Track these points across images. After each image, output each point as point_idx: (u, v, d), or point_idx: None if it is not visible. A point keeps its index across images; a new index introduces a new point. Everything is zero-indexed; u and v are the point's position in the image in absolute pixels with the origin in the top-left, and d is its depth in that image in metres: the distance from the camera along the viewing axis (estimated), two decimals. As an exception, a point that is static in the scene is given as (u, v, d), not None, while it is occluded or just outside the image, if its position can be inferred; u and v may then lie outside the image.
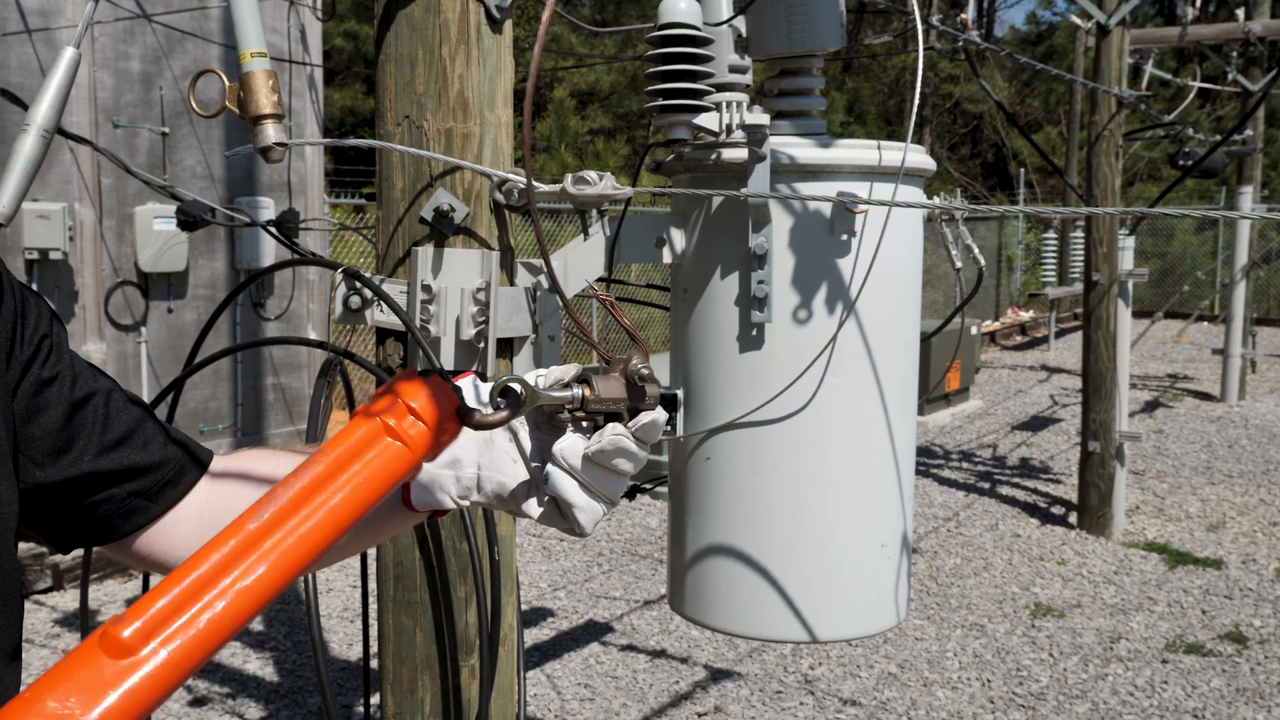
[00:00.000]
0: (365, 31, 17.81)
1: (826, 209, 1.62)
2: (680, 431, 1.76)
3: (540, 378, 1.02)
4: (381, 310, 1.61)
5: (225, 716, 4.07)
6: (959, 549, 6.13)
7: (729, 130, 1.65)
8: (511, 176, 1.59)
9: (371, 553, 2.02)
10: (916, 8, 1.70)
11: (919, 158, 1.70)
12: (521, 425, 1.04)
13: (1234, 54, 8.78)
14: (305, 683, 4.36)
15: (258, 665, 4.51)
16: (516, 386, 0.94)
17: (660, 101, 1.58)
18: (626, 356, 0.99)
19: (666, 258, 1.75)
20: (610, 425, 0.99)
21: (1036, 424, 9.75)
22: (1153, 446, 8.70)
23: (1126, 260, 6.28)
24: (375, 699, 3.68)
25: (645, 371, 0.99)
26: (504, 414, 0.93)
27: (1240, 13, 8.78)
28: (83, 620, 1.83)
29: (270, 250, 6.35)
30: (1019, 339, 16.42)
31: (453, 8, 1.57)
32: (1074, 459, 7.78)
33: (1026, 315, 17.56)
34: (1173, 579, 5.62)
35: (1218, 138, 7.36)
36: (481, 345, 1.61)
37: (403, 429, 0.89)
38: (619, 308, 1.03)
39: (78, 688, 0.74)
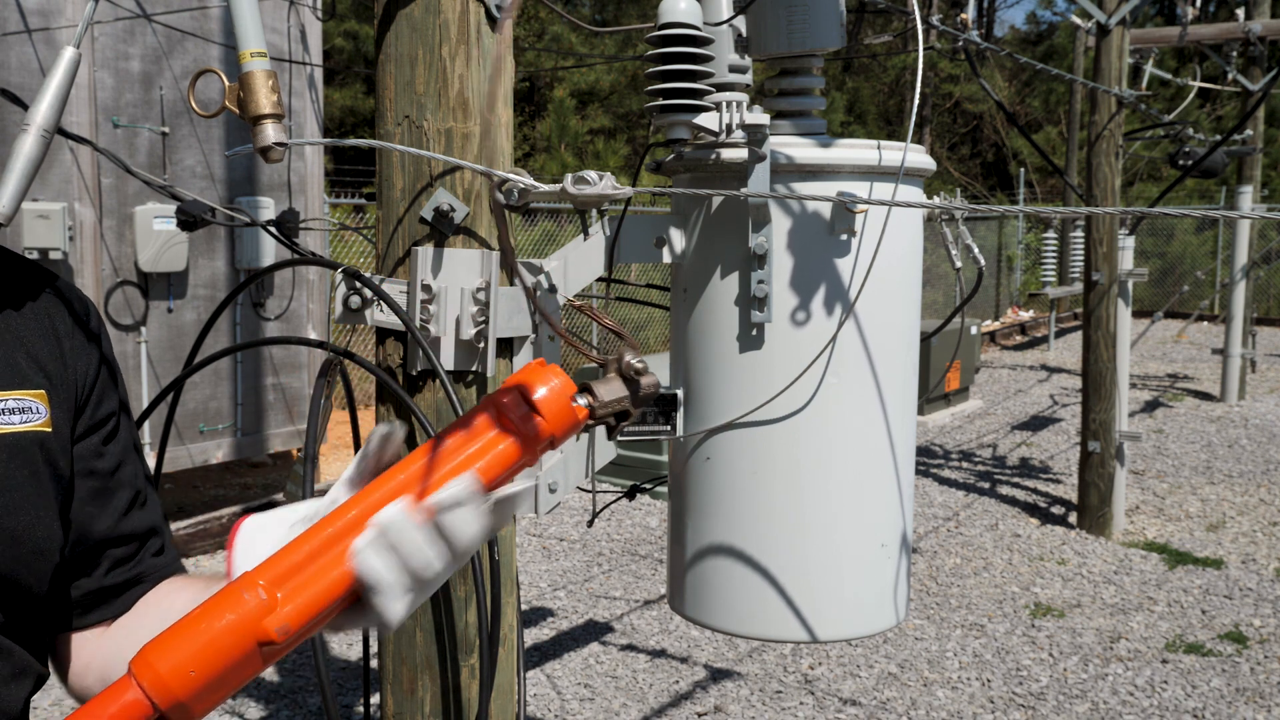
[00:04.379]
0: (365, 31, 17.82)
1: (826, 209, 1.62)
2: (680, 431, 1.76)
3: None
4: (381, 310, 1.61)
5: (225, 716, 4.07)
6: (959, 549, 6.13)
7: (729, 130, 1.65)
8: (512, 176, 1.59)
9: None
10: (916, 8, 1.70)
11: (919, 158, 1.70)
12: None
13: (1234, 54, 8.78)
14: (305, 683, 4.36)
15: (258, 665, 4.51)
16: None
17: (660, 101, 1.58)
18: (618, 355, 1.00)
19: (666, 258, 1.75)
20: (462, 477, 0.89)
21: (1036, 424, 9.75)
22: (1153, 446, 8.70)
23: (1126, 260, 6.28)
24: (375, 699, 3.68)
25: (640, 365, 0.99)
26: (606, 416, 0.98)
27: (1240, 13, 8.77)
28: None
29: (270, 250, 6.34)
30: (1019, 339, 16.42)
31: (453, 8, 1.57)
32: (1074, 459, 7.78)
33: (1026, 315, 17.56)
34: (1173, 579, 5.62)
35: (1218, 138, 7.36)
36: (481, 345, 1.61)
37: (516, 422, 0.92)
38: (598, 311, 1.03)
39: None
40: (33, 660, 1.04)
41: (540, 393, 0.93)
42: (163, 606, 1.10)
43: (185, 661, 0.85)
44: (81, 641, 1.11)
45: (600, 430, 1.76)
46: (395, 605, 0.87)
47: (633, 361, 0.99)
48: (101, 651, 1.09)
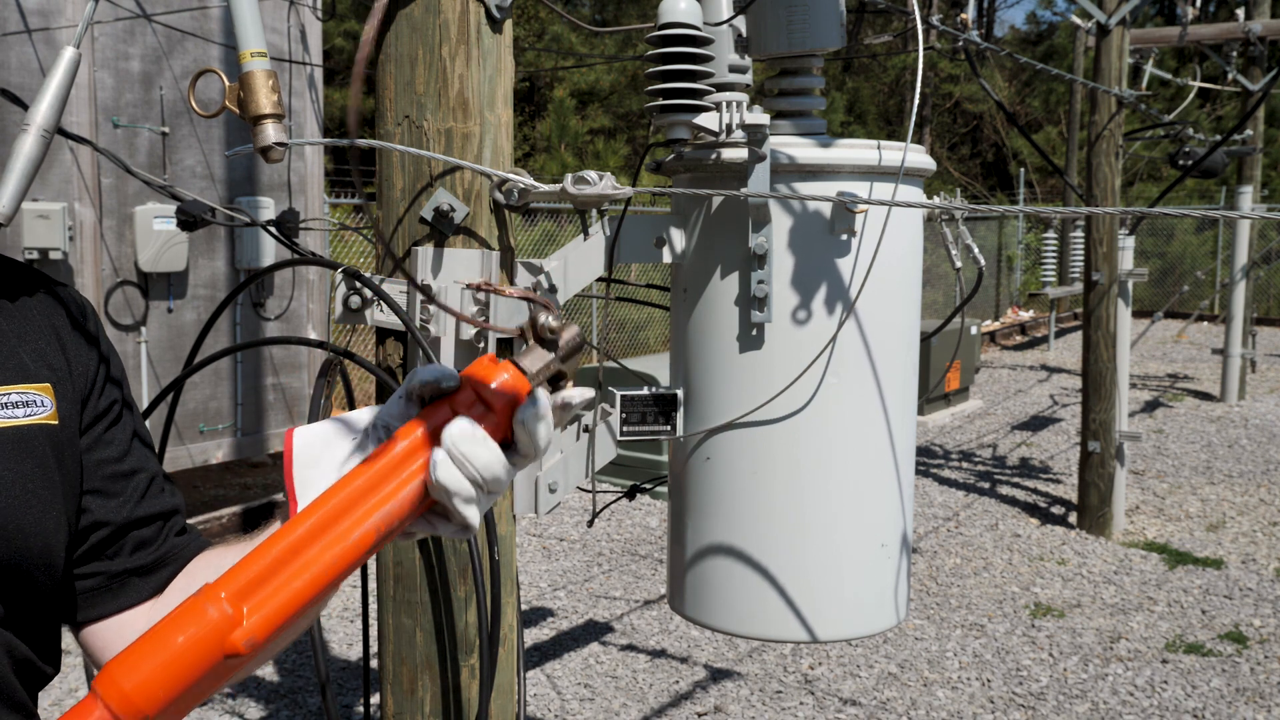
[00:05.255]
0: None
1: (826, 209, 1.62)
2: (680, 431, 1.76)
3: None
4: (381, 310, 1.61)
5: (225, 716, 4.07)
6: (959, 549, 6.13)
7: (729, 130, 1.65)
8: (512, 176, 1.59)
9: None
10: (916, 8, 1.70)
11: (919, 158, 1.70)
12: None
13: (1234, 54, 8.78)
14: (305, 683, 4.36)
15: (258, 665, 4.50)
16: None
17: (660, 101, 1.58)
18: (530, 320, 0.98)
19: (666, 258, 1.75)
20: (539, 392, 0.93)
21: (1036, 424, 9.75)
22: (1153, 446, 8.70)
23: (1126, 260, 6.28)
24: (375, 699, 3.68)
25: (554, 324, 0.97)
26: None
27: (1240, 13, 8.77)
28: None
29: (270, 250, 6.34)
30: (1019, 339, 16.42)
31: (453, 7, 1.57)
32: (1074, 459, 7.78)
33: (1026, 315, 17.56)
34: (1173, 579, 5.62)
35: (1218, 138, 7.36)
36: (481, 345, 1.61)
37: (474, 417, 0.93)
38: (501, 284, 1.02)
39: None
40: (34, 656, 1.04)
41: (491, 388, 0.94)
42: (213, 568, 1.11)
43: (150, 678, 0.85)
44: (125, 626, 1.11)
45: (601, 430, 1.76)
46: (472, 510, 0.91)
47: (545, 322, 0.97)
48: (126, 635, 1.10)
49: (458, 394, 0.94)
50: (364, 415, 1.00)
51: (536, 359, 0.96)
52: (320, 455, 0.98)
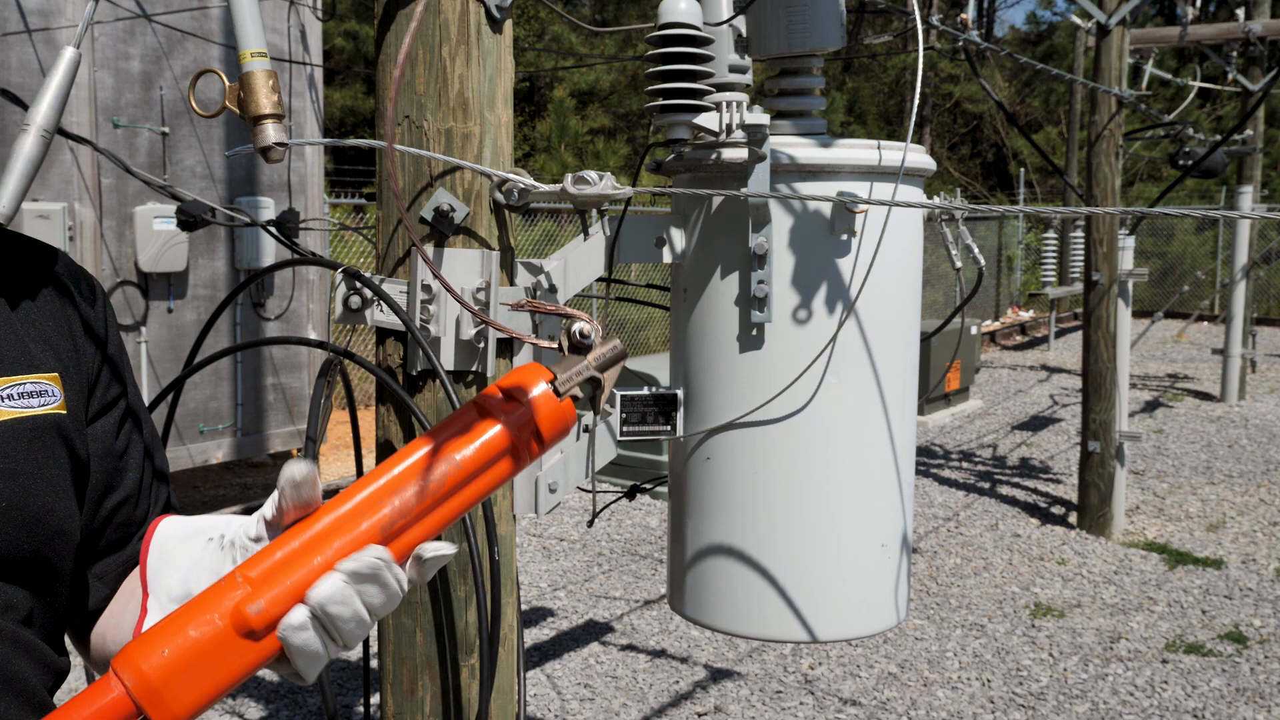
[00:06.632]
0: (365, 31, 17.81)
1: (826, 209, 1.62)
2: (680, 431, 1.76)
3: None
4: (381, 310, 1.61)
5: (225, 716, 4.07)
6: (959, 549, 6.13)
7: (729, 130, 1.65)
8: (512, 176, 1.59)
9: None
10: (916, 8, 1.70)
11: (919, 158, 1.70)
12: None
13: (1234, 54, 8.78)
14: (305, 683, 4.36)
15: (258, 665, 4.50)
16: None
17: (660, 101, 1.58)
18: (565, 328, 0.99)
19: (666, 258, 1.75)
20: (369, 547, 0.90)
21: (1036, 424, 9.75)
22: (1153, 446, 8.70)
23: (1126, 260, 6.28)
24: (375, 699, 3.68)
25: (586, 329, 0.98)
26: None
27: (1240, 13, 8.78)
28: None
29: (270, 250, 6.34)
30: (1019, 339, 16.42)
31: (453, 8, 1.57)
32: (1074, 459, 7.78)
33: (1026, 315, 17.56)
34: (1173, 579, 5.62)
35: (1218, 138, 7.36)
36: (481, 345, 1.60)
37: (520, 441, 0.96)
38: (539, 302, 1.03)
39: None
40: (52, 652, 1.04)
41: (536, 392, 0.96)
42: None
43: (168, 660, 0.86)
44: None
45: (601, 429, 1.76)
46: (317, 669, 0.91)
47: (577, 329, 0.98)
48: (111, 615, 1.12)
49: (491, 397, 0.97)
50: (230, 523, 1.01)
51: (568, 364, 0.98)
52: (175, 552, 1.01)
